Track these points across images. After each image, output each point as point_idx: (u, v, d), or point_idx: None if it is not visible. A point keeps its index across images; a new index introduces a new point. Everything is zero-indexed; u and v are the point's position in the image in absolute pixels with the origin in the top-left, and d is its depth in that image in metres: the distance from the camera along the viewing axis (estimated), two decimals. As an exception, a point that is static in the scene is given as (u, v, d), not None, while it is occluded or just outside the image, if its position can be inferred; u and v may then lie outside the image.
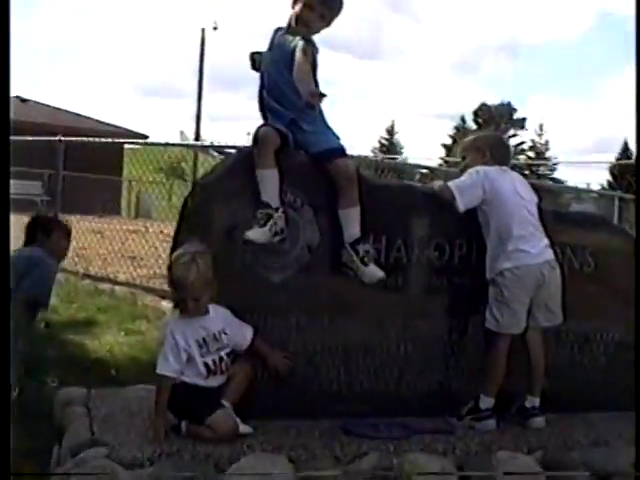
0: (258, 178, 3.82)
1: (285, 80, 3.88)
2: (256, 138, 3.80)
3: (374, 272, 3.93)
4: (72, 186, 13.52)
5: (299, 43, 3.82)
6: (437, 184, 4.37)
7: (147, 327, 7.51)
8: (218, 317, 3.77)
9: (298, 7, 3.96)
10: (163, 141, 12.66)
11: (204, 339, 3.71)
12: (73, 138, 10.85)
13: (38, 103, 35.20)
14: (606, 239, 4.59)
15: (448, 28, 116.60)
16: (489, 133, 4.13)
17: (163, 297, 8.79)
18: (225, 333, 3.76)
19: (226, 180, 3.89)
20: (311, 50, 3.85)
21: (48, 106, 35.38)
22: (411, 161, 24.53)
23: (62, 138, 10.36)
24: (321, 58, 3.97)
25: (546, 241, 4.17)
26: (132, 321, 7.72)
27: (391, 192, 4.23)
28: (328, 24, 4.03)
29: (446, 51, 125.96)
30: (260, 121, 3.98)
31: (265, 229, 3.75)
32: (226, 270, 3.82)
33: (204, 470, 3.35)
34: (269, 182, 3.82)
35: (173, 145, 14.79)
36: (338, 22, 4.04)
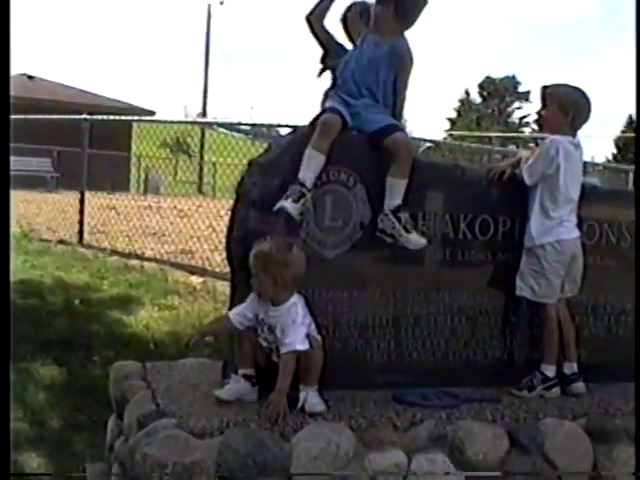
0: (306, 154, 3.89)
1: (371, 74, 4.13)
2: (322, 122, 3.90)
3: (417, 239, 4.00)
4: (82, 162, 13.72)
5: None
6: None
7: (180, 302, 7.67)
8: (286, 313, 3.74)
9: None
10: (169, 117, 12.77)
11: (263, 319, 3.76)
12: (97, 117, 10.94)
13: (44, 80, 35.20)
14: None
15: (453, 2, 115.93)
16: (580, 95, 4.03)
17: (192, 273, 8.97)
18: (283, 331, 3.71)
19: (281, 159, 3.99)
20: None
21: (52, 82, 35.35)
22: (416, 135, 24.56)
23: (87, 117, 10.44)
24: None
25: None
26: (164, 296, 7.88)
27: (438, 170, 4.36)
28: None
29: (450, 25, 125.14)
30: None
31: (297, 205, 3.83)
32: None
33: (271, 438, 3.45)
34: (314, 164, 3.90)
35: (184, 123, 14.84)
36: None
